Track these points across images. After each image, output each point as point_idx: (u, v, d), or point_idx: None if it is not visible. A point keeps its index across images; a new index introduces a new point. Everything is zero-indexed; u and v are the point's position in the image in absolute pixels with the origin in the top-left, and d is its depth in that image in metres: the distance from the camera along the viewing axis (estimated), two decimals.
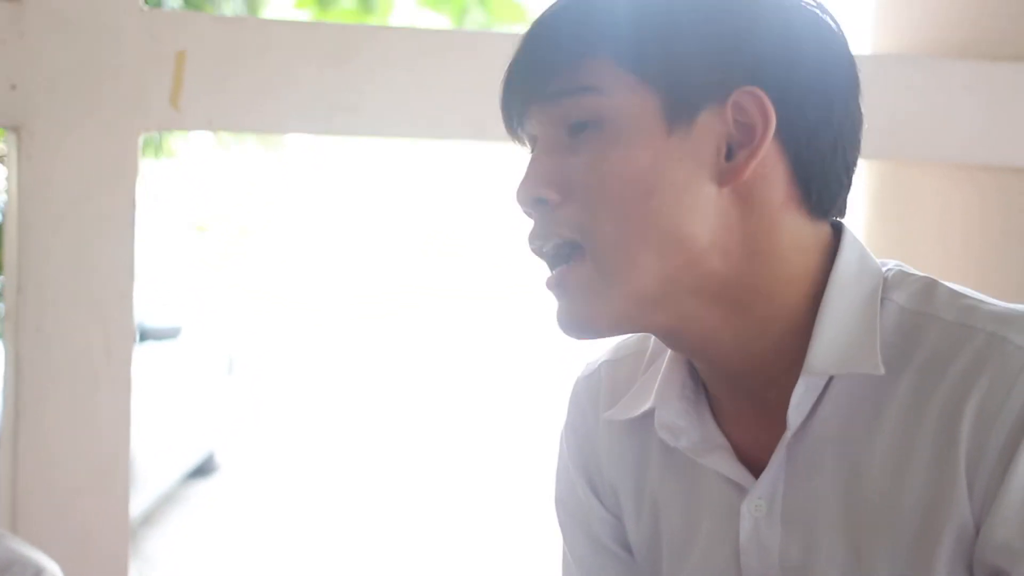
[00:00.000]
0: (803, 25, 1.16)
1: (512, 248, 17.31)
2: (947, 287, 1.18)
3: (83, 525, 2.45)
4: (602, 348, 1.37)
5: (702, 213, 1.12)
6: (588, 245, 1.13)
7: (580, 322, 1.16)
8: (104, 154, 2.42)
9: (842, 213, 1.21)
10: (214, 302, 9.10)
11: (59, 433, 2.43)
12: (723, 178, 1.13)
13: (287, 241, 20.11)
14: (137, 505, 6.57)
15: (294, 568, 6.63)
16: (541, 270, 1.18)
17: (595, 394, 1.36)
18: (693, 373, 1.24)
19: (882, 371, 1.13)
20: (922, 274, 1.21)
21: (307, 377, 12.96)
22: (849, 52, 1.19)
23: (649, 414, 1.26)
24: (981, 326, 1.12)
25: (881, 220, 3.54)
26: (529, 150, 1.19)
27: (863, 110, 1.20)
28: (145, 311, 6.78)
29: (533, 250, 1.17)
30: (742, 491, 1.21)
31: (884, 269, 1.20)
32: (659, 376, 1.25)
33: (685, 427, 1.23)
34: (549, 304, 1.17)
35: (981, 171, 3.13)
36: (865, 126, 1.20)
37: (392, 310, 17.26)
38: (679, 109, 1.12)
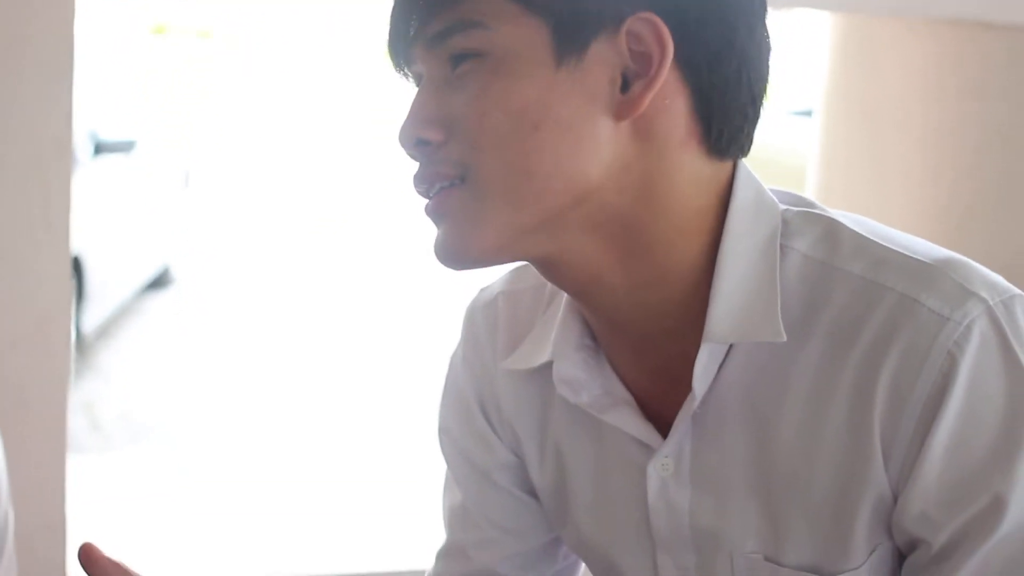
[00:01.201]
0: None
1: None
2: (851, 230, 1.10)
3: (20, 378, 2.42)
4: (498, 273, 1.29)
5: (594, 149, 1.05)
6: (469, 177, 1.06)
7: (453, 251, 1.08)
8: None
9: (744, 151, 1.12)
10: (171, 113, 8.95)
11: None
12: (619, 111, 1.05)
13: (250, 47, 19.74)
14: (92, 318, 6.57)
15: (247, 380, 6.68)
16: None
17: (492, 326, 1.28)
18: (588, 328, 1.17)
19: (784, 338, 1.07)
20: (821, 211, 1.13)
21: (262, 191, 12.87)
22: None
23: (548, 365, 1.19)
24: (892, 284, 1.05)
25: (844, 74, 3.48)
26: (416, 88, 1.11)
27: (769, 33, 1.11)
28: (99, 123, 6.67)
29: (419, 193, 1.09)
30: (648, 450, 1.16)
31: (782, 208, 1.13)
32: (556, 326, 1.18)
33: (585, 380, 1.16)
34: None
35: (943, 25, 3.07)
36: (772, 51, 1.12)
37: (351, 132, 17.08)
38: (568, 39, 1.04)
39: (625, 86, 1.05)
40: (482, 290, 1.32)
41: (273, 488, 4.48)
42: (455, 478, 1.35)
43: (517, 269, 1.29)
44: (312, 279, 9.14)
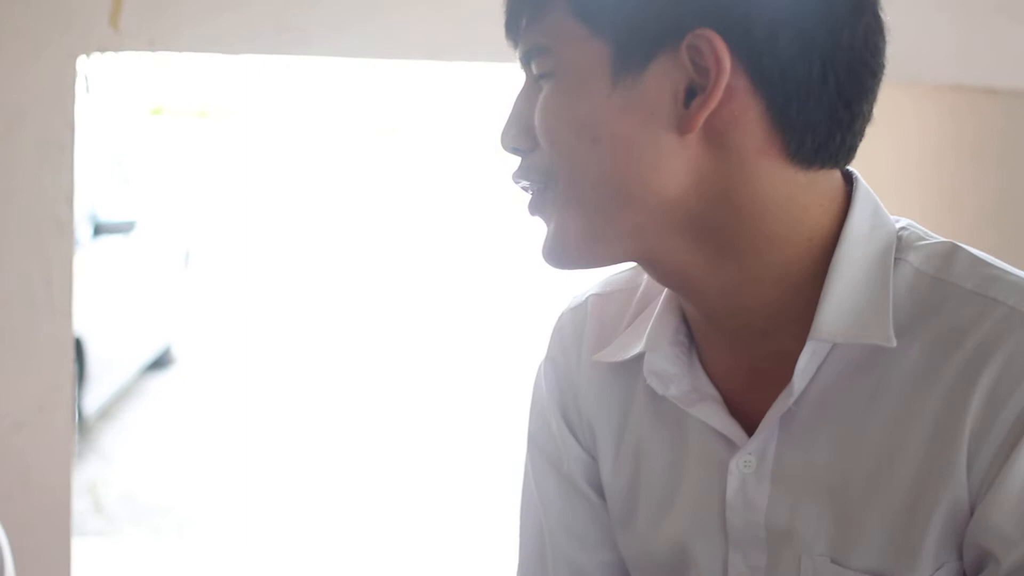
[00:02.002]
0: None
1: None
2: (968, 252, 1.12)
3: (24, 460, 2.40)
4: (591, 280, 1.33)
5: (663, 163, 1.07)
6: (551, 184, 1.12)
7: (549, 251, 1.14)
8: (39, 77, 2.33)
9: (846, 158, 1.11)
10: (170, 192, 8.99)
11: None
12: (682, 125, 1.07)
13: (248, 127, 19.85)
14: (94, 399, 6.56)
15: (249, 459, 6.65)
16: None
17: (580, 328, 1.31)
18: (686, 324, 1.20)
19: (894, 343, 1.08)
20: (940, 237, 1.15)
21: (264, 271, 12.90)
22: None
23: (638, 358, 1.22)
24: (1003, 299, 1.06)
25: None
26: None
27: (874, 27, 1.08)
28: (99, 203, 6.69)
29: (517, 185, 1.17)
30: (732, 446, 1.17)
31: (898, 227, 1.14)
32: (651, 320, 1.21)
33: (675, 374, 1.19)
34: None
35: (944, 91, 3.08)
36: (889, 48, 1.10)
37: (355, 203, 17.16)
38: (628, 59, 1.07)
39: (690, 100, 1.06)
40: (573, 296, 1.35)
41: (280, 570, 4.45)
42: (537, 485, 1.36)
43: (609, 275, 1.32)
44: (313, 359, 9.12)
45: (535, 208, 1.14)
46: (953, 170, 3.26)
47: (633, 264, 1.23)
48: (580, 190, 1.10)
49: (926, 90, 3.08)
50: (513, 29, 1.13)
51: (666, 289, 1.21)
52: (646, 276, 1.27)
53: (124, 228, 6.99)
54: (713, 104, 1.05)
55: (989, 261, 1.11)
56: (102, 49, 2.42)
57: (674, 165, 1.08)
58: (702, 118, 1.05)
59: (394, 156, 19.94)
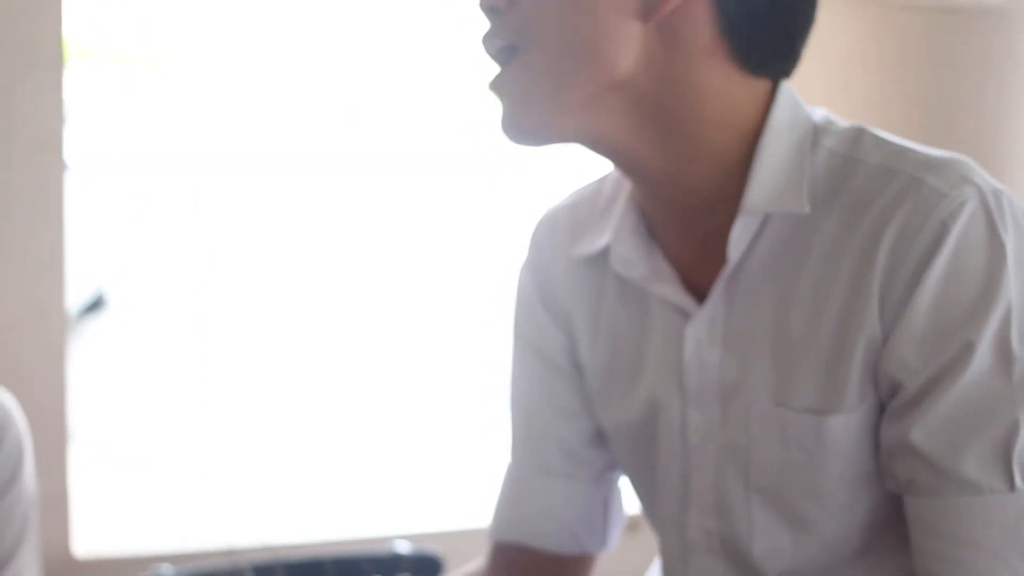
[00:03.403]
0: None
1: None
2: (873, 133, 1.29)
3: (21, 360, 2.53)
4: (561, 197, 1.52)
5: (625, 42, 1.23)
6: (522, 48, 1.26)
7: (515, 124, 1.28)
8: None
9: (782, 71, 1.30)
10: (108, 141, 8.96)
11: None
12: (646, 14, 1.23)
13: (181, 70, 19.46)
14: None
15: (182, 404, 6.65)
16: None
17: (554, 231, 1.50)
18: (644, 217, 1.37)
19: (807, 210, 1.25)
20: (850, 123, 1.32)
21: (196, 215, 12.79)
22: None
23: (605, 252, 1.40)
24: (903, 169, 1.24)
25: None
26: None
27: None
28: None
29: (486, 51, 1.29)
30: (687, 316, 1.34)
31: (815, 118, 1.31)
32: (615, 217, 1.39)
33: (637, 260, 1.36)
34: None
35: (866, 5, 3.26)
36: None
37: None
38: None
39: None
40: (547, 209, 1.53)
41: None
42: (521, 369, 1.54)
43: (576, 190, 1.51)
44: (254, 308, 9.12)
45: (498, 83, 1.28)
46: (876, 84, 3.42)
47: (593, 180, 1.45)
48: (546, 54, 1.24)
49: (851, 5, 3.24)
50: None
51: (626, 190, 1.38)
52: (608, 185, 1.45)
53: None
54: (674, 3, 1.22)
55: (892, 139, 1.28)
56: None
57: (631, 47, 1.23)
58: (663, 12, 1.22)
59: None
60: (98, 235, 8.19)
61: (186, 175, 14.55)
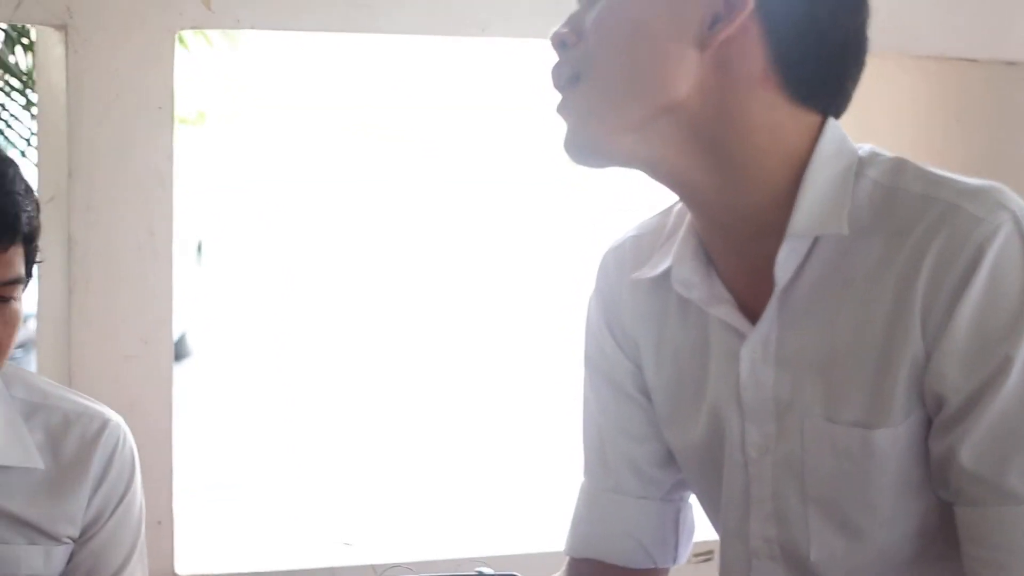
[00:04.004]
0: None
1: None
2: (915, 165, 1.37)
3: (132, 388, 2.69)
4: (627, 228, 1.61)
5: (682, 69, 1.32)
6: (585, 75, 1.35)
7: (575, 142, 1.36)
8: (142, 49, 2.65)
9: (837, 107, 1.38)
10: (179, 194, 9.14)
11: (109, 305, 2.68)
12: (703, 44, 1.31)
13: (250, 130, 19.72)
14: None
15: (267, 449, 6.83)
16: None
17: (621, 261, 1.57)
18: (702, 244, 1.46)
19: (846, 232, 1.33)
20: (893, 155, 1.40)
21: (273, 266, 12.92)
22: None
23: (667, 275, 1.47)
24: (942, 196, 1.31)
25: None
26: None
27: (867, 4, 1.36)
28: None
29: (553, 82, 1.40)
30: (742, 337, 1.41)
31: (860, 152, 1.39)
32: (676, 243, 1.48)
33: (697, 282, 1.43)
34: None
35: (929, 61, 3.38)
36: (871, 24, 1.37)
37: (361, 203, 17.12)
38: None
39: (714, 25, 1.34)
40: (613, 240, 1.62)
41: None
42: (595, 396, 1.61)
43: (641, 221, 1.60)
44: (328, 346, 9.24)
45: (562, 107, 1.39)
46: (941, 135, 3.53)
47: (658, 212, 1.55)
48: (607, 79, 1.35)
49: (914, 60, 3.36)
50: None
51: (686, 221, 1.46)
52: (671, 218, 1.53)
53: None
54: (729, 31, 1.33)
55: (932, 170, 1.36)
56: (196, 26, 2.75)
57: (687, 74, 1.32)
58: (718, 42, 1.33)
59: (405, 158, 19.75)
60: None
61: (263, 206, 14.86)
